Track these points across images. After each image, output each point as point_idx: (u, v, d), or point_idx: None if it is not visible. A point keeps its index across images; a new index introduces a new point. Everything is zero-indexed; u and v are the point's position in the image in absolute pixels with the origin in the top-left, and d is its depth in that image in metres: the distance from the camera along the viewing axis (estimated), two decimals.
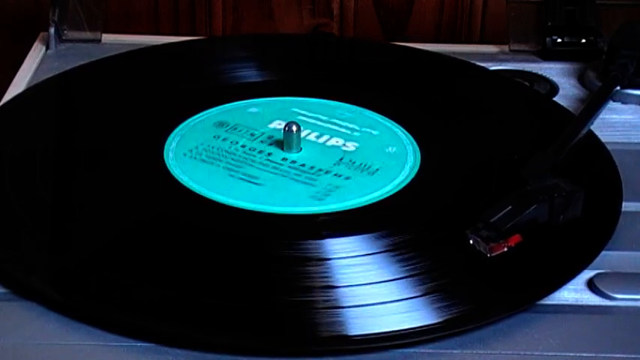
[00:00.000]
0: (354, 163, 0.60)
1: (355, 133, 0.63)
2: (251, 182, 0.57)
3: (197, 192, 0.56)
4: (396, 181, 0.58)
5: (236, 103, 0.66)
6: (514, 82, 0.72)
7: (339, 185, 0.57)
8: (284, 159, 0.60)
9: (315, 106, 0.66)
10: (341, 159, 0.60)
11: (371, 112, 0.65)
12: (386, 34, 0.89)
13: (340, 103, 0.66)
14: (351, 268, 0.51)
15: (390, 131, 0.63)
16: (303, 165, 0.59)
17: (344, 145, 0.61)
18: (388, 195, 0.57)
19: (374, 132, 0.63)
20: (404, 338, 0.47)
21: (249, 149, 0.61)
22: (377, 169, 0.59)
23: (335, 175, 0.58)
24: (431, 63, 0.73)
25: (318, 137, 0.62)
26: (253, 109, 0.65)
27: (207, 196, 0.56)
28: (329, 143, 0.62)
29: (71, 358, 0.47)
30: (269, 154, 0.60)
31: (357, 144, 0.62)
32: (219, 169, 0.58)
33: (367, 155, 0.60)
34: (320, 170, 0.59)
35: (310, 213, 0.55)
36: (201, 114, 0.64)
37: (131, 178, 0.58)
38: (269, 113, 0.65)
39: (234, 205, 0.55)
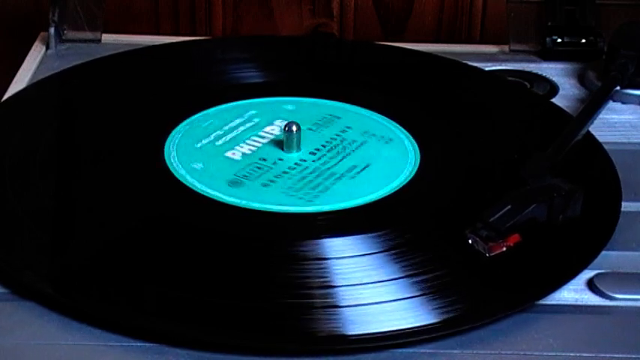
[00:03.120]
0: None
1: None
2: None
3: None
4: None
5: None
6: (513, 82, 0.72)
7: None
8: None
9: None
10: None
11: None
12: (386, 34, 0.89)
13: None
14: (349, 268, 0.51)
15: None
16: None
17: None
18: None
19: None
20: (402, 338, 0.47)
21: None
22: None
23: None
24: (431, 64, 0.73)
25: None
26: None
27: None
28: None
29: (71, 358, 0.47)
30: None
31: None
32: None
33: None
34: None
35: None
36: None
37: (131, 178, 0.58)
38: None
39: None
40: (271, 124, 0.63)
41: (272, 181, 0.57)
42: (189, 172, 0.58)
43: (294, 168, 0.59)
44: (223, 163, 0.59)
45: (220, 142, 0.61)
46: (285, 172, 0.58)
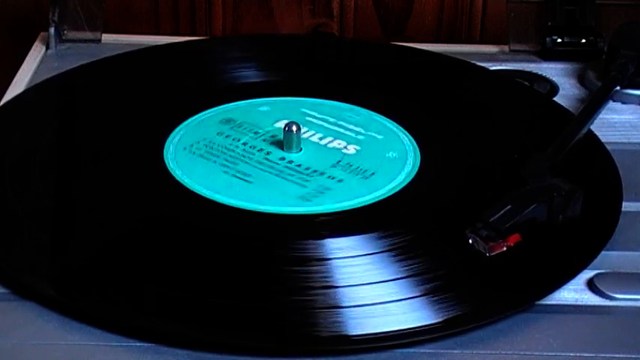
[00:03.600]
0: (352, 165, 0.60)
1: (359, 136, 0.63)
2: (243, 180, 0.57)
3: (197, 192, 0.56)
4: (397, 181, 0.58)
5: (241, 102, 0.66)
6: (514, 82, 0.72)
7: (331, 187, 0.57)
8: (282, 158, 0.60)
9: (321, 107, 0.66)
10: (339, 161, 0.60)
11: (371, 112, 0.65)
12: (386, 34, 0.89)
13: (347, 105, 0.66)
14: (350, 268, 0.51)
15: (390, 131, 0.63)
16: (299, 165, 0.59)
17: (345, 147, 0.61)
18: (389, 195, 0.57)
19: (376, 135, 0.63)
20: (403, 338, 0.47)
21: (250, 147, 0.61)
22: (373, 173, 0.59)
23: (329, 177, 0.58)
24: (432, 63, 0.73)
25: (320, 139, 0.62)
26: (262, 108, 0.65)
27: (208, 197, 0.56)
28: (330, 145, 0.62)
29: (71, 358, 0.47)
30: (268, 152, 0.60)
31: (358, 147, 0.61)
32: (216, 165, 0.58)
33: (366, 158, 0.60)
34: (315, 171, 0.59)
35: (309, 213, 0.55)
36: (204, 112, 0.64)
37: (131, 178, 0.58)
38: (276, 112, 0.65)
39: (232, 205, 0.55)
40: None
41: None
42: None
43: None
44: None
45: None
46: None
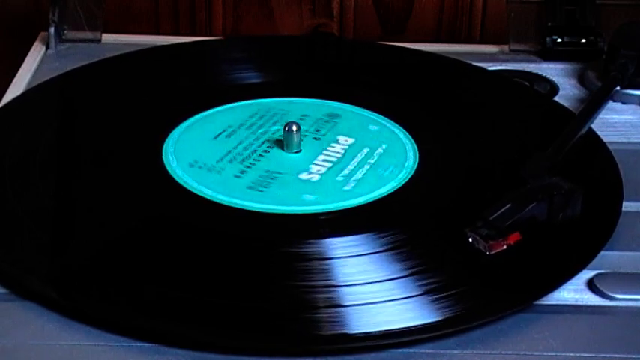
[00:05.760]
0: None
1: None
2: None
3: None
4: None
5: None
6: (514, 82, 0.72)
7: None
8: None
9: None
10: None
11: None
12: (386, 34, 0.89)
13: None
14: (349, 268, 0.51)
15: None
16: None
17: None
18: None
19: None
20: (403, 336, 0.47)
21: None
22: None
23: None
24: (431, 64, 0.73)
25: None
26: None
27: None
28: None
29: (71, 358, 0.47)
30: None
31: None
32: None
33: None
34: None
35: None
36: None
37: (131, 178, 0.58)
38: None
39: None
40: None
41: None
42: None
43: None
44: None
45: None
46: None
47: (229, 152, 0.60)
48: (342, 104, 0.66)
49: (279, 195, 0.56)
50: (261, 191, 0.56)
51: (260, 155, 0.60)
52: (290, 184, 0.57)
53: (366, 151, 0.61)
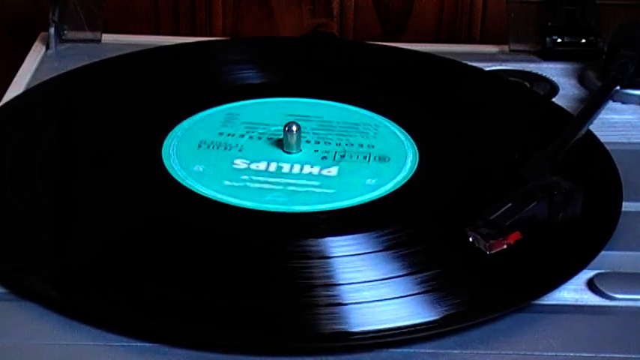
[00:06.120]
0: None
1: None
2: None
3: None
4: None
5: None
6: (513, 82, 0.72)
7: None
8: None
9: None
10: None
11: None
12: (386, 34, 0.89)
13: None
14: (349, 267, 0.51)
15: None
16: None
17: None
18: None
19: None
20: (402, 335, 0.47)
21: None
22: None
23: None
24: (431, 64, 0.73)
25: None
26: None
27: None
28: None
29: (71, 358, 0.47)
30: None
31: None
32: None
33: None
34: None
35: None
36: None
37: (131, 178, 0.58)
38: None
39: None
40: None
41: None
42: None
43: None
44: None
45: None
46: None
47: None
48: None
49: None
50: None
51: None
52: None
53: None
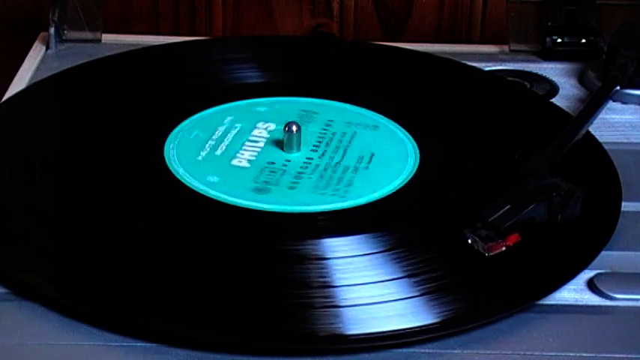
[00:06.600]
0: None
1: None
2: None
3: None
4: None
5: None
6: (513, 83, 0.72)
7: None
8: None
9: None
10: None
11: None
12: (386, 34, 0.89)
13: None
14: (349, 268, 0.51)
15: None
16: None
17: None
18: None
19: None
20: (401, 338, 0.47)
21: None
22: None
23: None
24: (431, 64, 0.73)
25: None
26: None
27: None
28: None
29: (71, 358, 0.47)
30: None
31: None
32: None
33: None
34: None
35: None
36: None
37: (131, 178, 0.58)
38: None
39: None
40: (274, 123, 0.64)
41: (294, 182, 0.57)
42: (189, 171, 0.58)
43: (306, 167, 0.59)
44: (235, 171, 0.59)
45: (221, 139, 0.61)
46: (300, 173, 0.58)
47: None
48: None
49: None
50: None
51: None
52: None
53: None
